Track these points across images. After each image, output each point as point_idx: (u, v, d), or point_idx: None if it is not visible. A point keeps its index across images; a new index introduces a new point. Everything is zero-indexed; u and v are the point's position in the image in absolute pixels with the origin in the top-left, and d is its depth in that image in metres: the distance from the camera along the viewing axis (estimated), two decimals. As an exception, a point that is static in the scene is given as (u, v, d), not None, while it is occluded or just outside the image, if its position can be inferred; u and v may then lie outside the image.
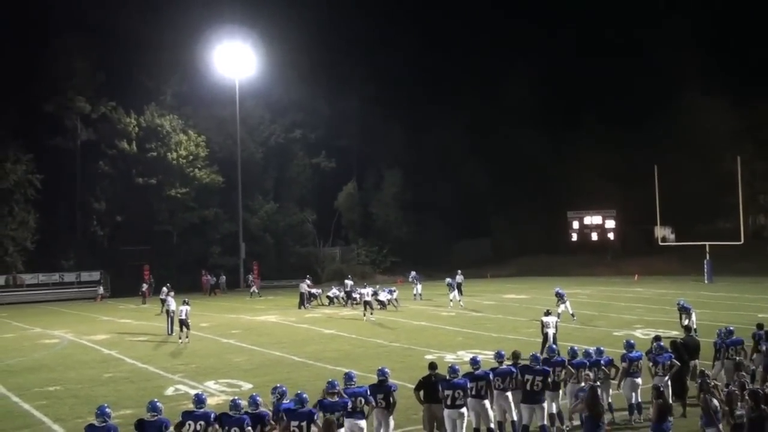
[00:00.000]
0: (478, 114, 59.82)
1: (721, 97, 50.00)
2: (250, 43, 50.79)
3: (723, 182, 46.55)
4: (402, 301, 32.53)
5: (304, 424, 8.87)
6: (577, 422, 11.58)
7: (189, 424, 8.74)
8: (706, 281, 41.68)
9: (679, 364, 12.46)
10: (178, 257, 51.10)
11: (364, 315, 28.07)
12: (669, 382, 12.22)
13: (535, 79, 57.34)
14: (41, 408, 14.47)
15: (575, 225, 57.88)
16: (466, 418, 10.49)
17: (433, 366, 11.06)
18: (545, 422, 10.97)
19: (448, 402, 10.38)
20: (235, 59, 50.27)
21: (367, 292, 29.35)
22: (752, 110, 51.42)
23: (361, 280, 48.93)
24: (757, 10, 53.11)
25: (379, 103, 57.96)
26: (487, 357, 14.31)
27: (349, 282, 35.52)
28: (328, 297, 35.21)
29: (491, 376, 10.95)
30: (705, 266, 42.52)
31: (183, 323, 23.32)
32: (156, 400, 9.07)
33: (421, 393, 10.82)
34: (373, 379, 10.83)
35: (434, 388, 10.62)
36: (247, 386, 15.66)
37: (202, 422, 8.72)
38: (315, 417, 8.99)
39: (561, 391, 11.73)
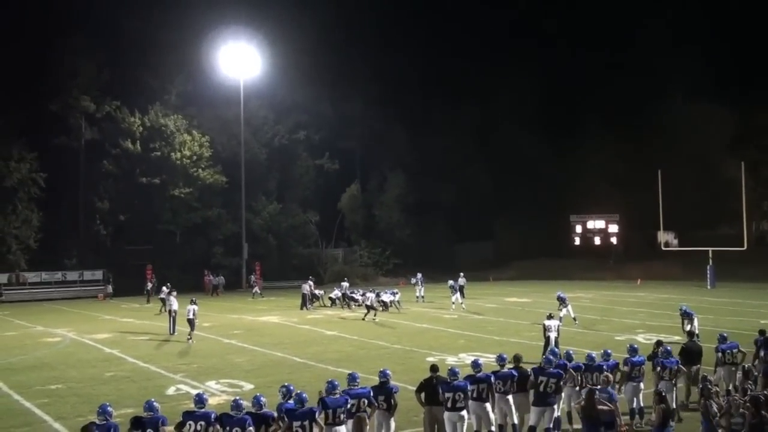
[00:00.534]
0: (481, 117, 59.84)
1: (725, 102, 49.97)
2: (255, 43, 50.82)
3: (726, 188, 46.49)
4: (404, 303, 32.55)
5: (306, 423, 8.88)
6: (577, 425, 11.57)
7: (190, 424, 8.74)
8: (708, 287, 41.59)
9: (685, 370, 12.44)
10: (180, 257, 51.12)
11: (365, 317, 28.10)
12: (674, 387, 12.19)
13: (539, 82, 57.32)
14: (43, 406, 14.49)
15: (578, 229, 57.80)
16: (466, 421, 10.49)
17: (434, 368, 11.06)
18: (550, 425, 10.96)
19: (449, 404, 10.39)
20: (239, 60, 50.29)
21: (371, 297, 29.29)
22: (756, 116, 51.39)
23: (365, 282, 49.00)
24: (762, 15, 53.16)
25: (383, 105, 58.02)
26: (488, 360, 14.30)
27: (345, 284, 35.55)
28: (330, 298, 35.20)
29: (493, 379, 10.95)
30: (708, 272, 42.43)
31: (190, 322, 23.40)
32: (153, 399, 9.09)
33: (423, 395, 10.82)
34: (375, 380, 10.82)
35: (435, 390, 10.62)
36: (248, 387, 15.68)
37: (203, 422, 8.72)
38: (316, 415, 9.01)
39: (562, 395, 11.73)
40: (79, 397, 15.32)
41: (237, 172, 51.57)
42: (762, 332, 14.02)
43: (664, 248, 48.52)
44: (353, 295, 34.27)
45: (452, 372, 10.60)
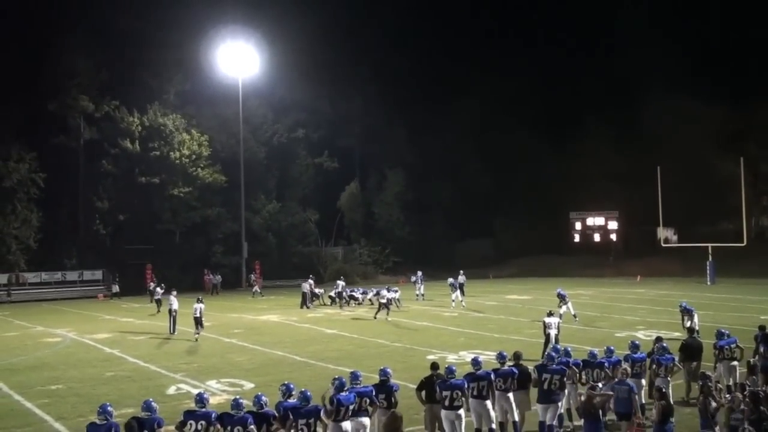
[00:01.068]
0: (480, 114, 59.78)
1: (724, 98, 49.93)
2: (253, 42, 50.80)
3: (726, 184, 46.48)
4: (404, 302, 32.54)
5: (312, 420, 8.92)
6: (578, 422, 11.58)
7: (191, 424, 8.74)
8: (708, 283, 41.63)
9: (681, 367, 12.43)
10: (180, 256, 51.12)
11: (376, 315, 28.19)
12: (670, 384, 12.20)
13: (538, 79, 57.35)
14: (43, 406, 14.49)
15: (577, 226, 57.82)
16: (464, 420, 10.48)
17: (435, 366, 11.07)
18: (553, 422, 10.96)
19: (446, 403, 10.38)
20: (238, 59, 50.27)
21: (385, 295, 29.17)
22: (755, 112, 51.35)
23: (365, 281, 48.98)
24: (760, 12, 53.13)
25: (382, 103, 58.01)
26: (488, 357, 14.29)
27: (340, 283, 35.54)
28: (330, 297, 35.18)
29: (493, 377, 10.95)
30: (707, 268, 42.46)
31: (197, 321, 23.48)
32: (151, 399, 9.10)
33: (423, 393, 10.83)
34: (375, 379, 10.84)
35: (436, 388, 10.63)
36: (248, 386, 15.68)
37: (204, 422, 8.72)
38: (321, 413, 9.06)
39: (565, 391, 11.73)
40: (79, 397, 15.31)
41: (236, 171, 51.55)
42: (762, 328, 14.04)
43: (663, 244, 48.54)
44: (353, 293, 34.21)
45: (449, 370, 10.61)
